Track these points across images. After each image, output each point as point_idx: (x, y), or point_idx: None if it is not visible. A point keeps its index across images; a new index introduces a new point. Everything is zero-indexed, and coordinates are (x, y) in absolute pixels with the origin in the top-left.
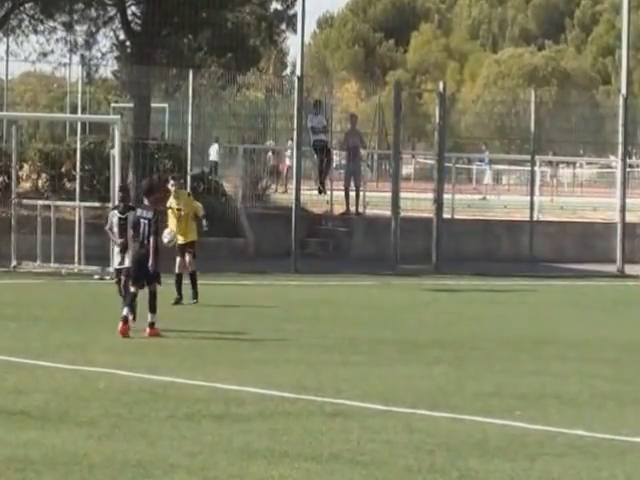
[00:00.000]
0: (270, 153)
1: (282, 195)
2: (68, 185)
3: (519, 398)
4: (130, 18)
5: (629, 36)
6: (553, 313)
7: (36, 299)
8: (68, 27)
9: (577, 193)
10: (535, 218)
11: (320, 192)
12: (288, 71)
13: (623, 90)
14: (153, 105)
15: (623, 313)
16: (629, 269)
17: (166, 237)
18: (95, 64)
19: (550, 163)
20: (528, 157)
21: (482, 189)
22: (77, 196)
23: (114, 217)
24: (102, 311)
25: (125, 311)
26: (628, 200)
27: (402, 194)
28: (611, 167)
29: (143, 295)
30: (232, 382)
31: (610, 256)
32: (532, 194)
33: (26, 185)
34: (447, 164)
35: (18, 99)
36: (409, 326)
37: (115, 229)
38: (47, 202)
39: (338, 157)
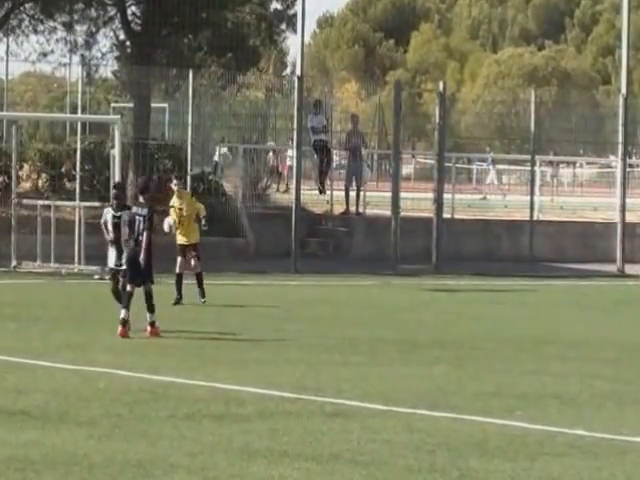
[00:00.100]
0: (271, 153)
1: (282, 195)
2: (68, 185)
3: (519, 398)
4: (130, 18)
5: (629, 36)
6: (553, 313)
7: (36, 299)
8: (68, 27)
9: (577, 193)
10: (535, 218)
11: (321, 192)
12: (288, 71)
13: (623, 90)
14: (153, 105)
15: (623, 313)
16: (629, 269)
17: (166, 225)
18: (95, 64)
19: (551, 163)
20: (529, 157)
21: (485, 189)
22: (77, 196)
23: (108, 214)
24: (102, 311)
25: (123, 313)
26: (628, 200)
27: (402, 194)
28: (611, 167)
29: (139, 295)
30: (232, 382)
31: (610, 256)
32: (532, 194)
33: (26, 185)
34: (447, 164)
35: (18, 99)
36: (409, 326)
37: (109, 227)
38: (47, 202)
39: (338, 157)
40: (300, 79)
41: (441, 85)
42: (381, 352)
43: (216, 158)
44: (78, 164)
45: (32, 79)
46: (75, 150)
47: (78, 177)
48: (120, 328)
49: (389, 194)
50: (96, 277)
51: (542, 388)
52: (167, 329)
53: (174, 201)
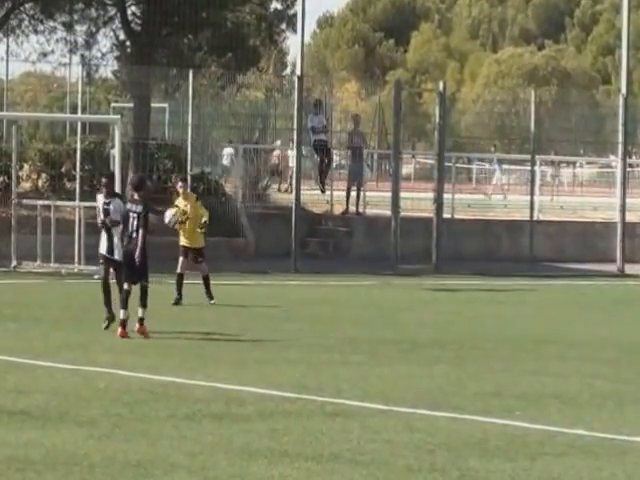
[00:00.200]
0: (276, 151)
1: (282, 195)
2: (68, 185)
3: (519, 398)
4: (130, 18)
5: (629, 36)
6: (553, 313)
7: (36, 299)
8: (68, 27)
9: (577, 193)
10: (535, 218)
11: (323, 192)
12: (288, 71)
13: (623, 89)
14: (153, 105)
15: (623, 313)
16: (629, 269)
17: (167, 217)
18: (95, 64)
19: (552, 163)
20: (530, 157)
21: (490, 189)
22: (77, 196)
23: (99, 201)
24: (102, 311)
25: (122, 314)
26: (628, 200)
27: (402, 194)
28: (611, 167)
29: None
30: (232, 382)
31: (610, 256)
32: (532, 194)
33: (26, 185)
34: (447, 164)
35: (18, 99)
36: (409, 326)
37: (101, 214)
38: (47, 202)
39: (338, 157)
40: (300, 79)
41: (441, 85)
42: (381, 352)
43: (225, 161)
44: (78, 164)
45: (32, 79)
46: (75, 150)
47: (78, 177)
48: (120, 329)
49: (389, 194)
50: (96, 277)
51: (542, 388)
52: (167, 329)
53: (179, 202)
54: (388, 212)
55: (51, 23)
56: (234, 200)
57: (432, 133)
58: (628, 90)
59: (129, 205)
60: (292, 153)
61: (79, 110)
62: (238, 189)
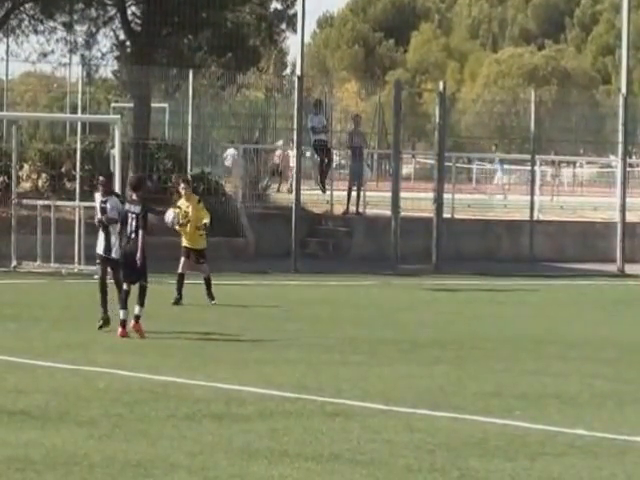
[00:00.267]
0: (278, 152)
1: (282, 195)
2: (68, 185)
3: (519, 398)
4: (130, 18)
5: (629, 35)
6: (553, 313)
7: (36, 299)
8: (68, 27)
9: (577, 192)
10: (535, 218)
11: (323, 192)
12: (288, 71)
13: (623, 89)
14: (153, 105)
15: (623, 313)
16: (629, 269)
17: (168, 216)
18: (95, 64)
19: (552, 163)
20: (530, 157)
21: (493, 189)
22: (77, 196)
23: (97, 200)
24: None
25: (122, 314)
26: (628, 199)
27: (402, 194)
28: (611, 166)
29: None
30: (232, 382)
31: (610, 256)
32: (532, 194)
33: (26, 185)
34: (447, 164)
35: (18, 99)
36: (409, 326)
37: (98, 213)
38: (47, 202)
39: (338, 157)
40: (300, 79)
41: (441, 85)
42: (381, 352)
43: (227, 161)
44: (78, 164)
45: (32, 79)
46: (75, 150)
47: (78, 177)
48: (120, 329)
49: (389, 194)
50: (96, 277)
51: (542, 388)
52: (167, 329)
53: (182, 203)
54: (388, 212)
55: (51, 23)
56: (234, 200)
57: (432, 133)
58: (628, 90)
59: (127, 205)
60: (293, 153)
61: (79, 110)
62: (238, 189)
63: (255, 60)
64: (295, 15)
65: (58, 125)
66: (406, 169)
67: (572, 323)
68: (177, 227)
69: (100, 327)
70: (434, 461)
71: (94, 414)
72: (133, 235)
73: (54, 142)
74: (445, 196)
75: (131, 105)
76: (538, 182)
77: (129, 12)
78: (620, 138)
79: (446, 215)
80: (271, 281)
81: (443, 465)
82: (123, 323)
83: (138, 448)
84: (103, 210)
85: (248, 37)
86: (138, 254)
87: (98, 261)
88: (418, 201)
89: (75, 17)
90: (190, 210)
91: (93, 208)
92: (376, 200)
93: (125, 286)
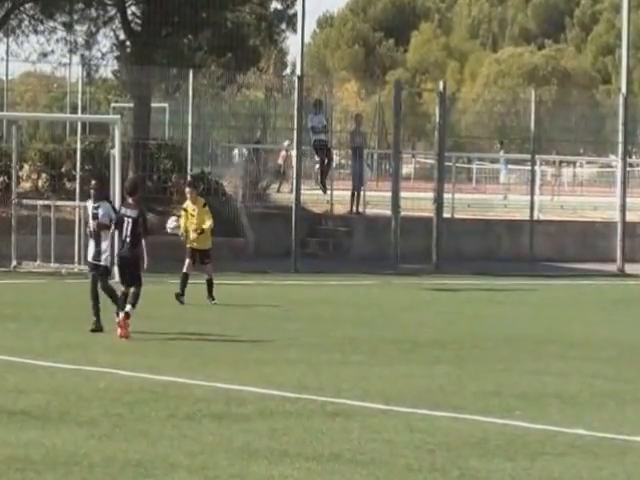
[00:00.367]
0: (282, 152)
1: (282, 195)
2: (68, 185)
3: (519, 397)
4: (130, 18)
5: (629, 35)
6: (553, 312)
7: (36, 299)
8: (68, 27)
9: (577, 192)
10: (535, 217)
11: (324, 192)
12: (288, 71)
13: (623, 89)
14: (153, 105)
15: (623, 312)
16: (629, 268)
17: (171, 224)
18: (95, 64)
19: (553, 162)
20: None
21: (499, 189)
22: (77, 196)
23: (88, 209)
24: (102, 311)
25: (128, 307)
26: (628, 199)
27: (402, 193)
28: (611, 166)
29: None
30: (233, 382)
31: (610, 255)
32: (532, 193)
33: (26, 185)
34: (447, 163)
35: (18, 99)
36: (409, 325)
37: (90, 221)
38: (47, 202)
39: (338, 157)
40: (300, 79)
41: (441, 84)
42: (381, 352)
43: (235, 162)
44: (78, 164)
45: (32, 79)
46: (75, 150)
47: (78, 177)
48: (122, 317)
49: (389, 194)
50: None
51: (542, 387)
52: (167, 329)
53: (187, 205)
54: (388, 212)
55: (51, 23)
56: (234, 200)
57: (432, 133)
58: (628, 89)
59: (123, 210)
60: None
61: (79, 110)
62: (238, 189)
63: (255, 60)
64: (295, 15)
65: (58, 125)
66: (406, 169)
67: (572, 323)
68: (177, 230)
69: (92, 330)
70: (434, 461)
71: (94, 414)
72: (128, 240)
73: (54, 142)
74: (445, 196)
75: (131, 105)
76: (538, 182)
77: (129, 12)
78: (620, 138)
79: (446, 215)
80: (271, 281)
81: (443, 465)
82: (127, 315)
83: (138, 448)
84: (95, 216)
85: (248, 37)
86: (145, 261)
87: (88, 269)
88: (418, 201)
89: (75, 17)
90: (196, 214)
91: None
92: (376, 200)
93: (123, 288)
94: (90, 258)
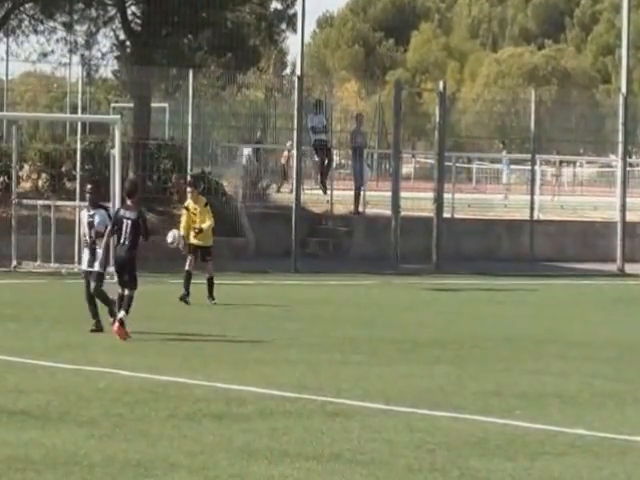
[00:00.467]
0: (285, 152)
1: (282, 195)
2: (68, 185)
3: (520, 397)
4: (130, 18)
5: (629, 35)
6: (553, 312)
7: (36, 299)
8: (68, 27)
9: (577, 192)
10: (535, 217)
11: (325, 192)
12: (288, 71)
13: (623, 89)
14: (153, 105)
15: (623, 312)
16: (629, 268)
17: (169, 237)
18: (95, 64)
19: (553, 162)
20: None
21: (501, 189)
22: (77, 196)
23: (83, 217)
24: (102, 311)
25: (121, 314)
26: (628, 199)
27: (402, 193)
28: (611, 166)
29: (138, 298)
30: (233, 382)
31: (610, 255)
32: (532, 193)
33: (26, 185)
34: (447, 163)
35: (18, 99)
36: (409, 325)
37: (85, 229)
38: (47, 202)
39: (338, 157)
40: (300, 79)
41: (441, 84)
42: (381, 351)
43: (243, 161)
44: (78, 164)
45: (32, 79)
46: (75, 150)
47: (78, 177)
48: (116, 325)
49: (389, 193)
50: None
51: (542, 387)
52: (167, 329)
53: (189, 203)
54: (388, 212)
55: (51, 23)
56: (234, 200)
57: (432, 133)
58: (628, 89)
59: (122, 211)
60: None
61: (79, 110)
62: (238, 189)
63: (255, 60)
64: (295, 15)
65: (58, 125)
66: (406, 169)
67: (572, 323)
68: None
69: (92, 331)
70: (434, 461)
71: (94, 414)
72: (127, 242)
73: (54, 142)
74: (445, 196)
75: (131, 105)
76: (538, 182)
77: (129, 12)
78: (620, 138)
79: (446, 215)
80: (271, 281)
81: (443, 465)
82: (121, 323)
83: (138, 448)
84: (91, 225)
85: (248, 37)
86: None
87: (82, 276)
88: (418, 201)
89: (75, 17)
90: (197, 213)
91: None
92: (376, 200)
93: (119, 290)
94: (84, 266)
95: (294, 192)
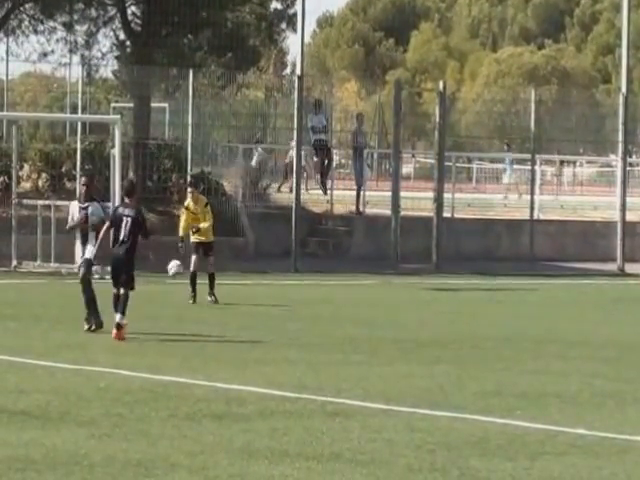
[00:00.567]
0: (291, 152)
1: (282, 194)
2: (68, 185)
3: (520, 397)
4: (130, 18)
5: (629, 35)
6: (553, 312)
7: (36, 299)
8: (68, 27)
9: (577, 192)
10: (535, 217)
11: (325, 192)
12: (288, 70)
13: (623, 89)
14: (153, 105)
15: (623, 312)
16: (629, 268)
17: (172, 269)
18: (95, 64)
19: (554, 162)
20: (537, 156)
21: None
22: (77, 196)
23: (75, 209)
24: (102, 311)
25: (118, 317)
26: (628, 199)
27: (402, 193)
28: (611, 166)
29: (137, 297)
30: (233, 381)
31: (610, 255)
32: (532, 193)
33: (26, 185)
34: (447, 163)
35: (18, 99)
36: (410, 325)
37: (75, 220)
38: (47, 202)
39: (337, 157)
40: (300, 79)
41: (441, 84)
42: (381, 351)
43: (254, 162)
44: (78, 164)
45: (32, 79)
46: (75, 150)
47: (78, 177)
48: (115, 331)
49: (389, 193)
50: (96, 276)
51: (542, 387)
52: (167, 329)
53: (189, 203)
54: (388, 211)
55: (51, 23)
56: (234, 200)
57: (432, 133)
58: (628, 89)
59: (121, 209)
60: (303, 153)
61: (79, 110)
62: (238, 189)
63: (255, 60)
64: (295, 15)
65: (58, 125)
66: (406, 168)
67: (572, 322)
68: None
69: (89, 329)
70: (434, 460)
71: (94, 414)
72: (126, 239)
73: (54, 142)
74: (445, 195)
75: (131, 105)
76: (538, 181)
77: (129, 12)
78: (620, 137)
79: (446, 214)
80: (271, 281)
81: (443, 464)
82: (118, 327)
83: (138, 448)
84: (84, 215)
85: (248, 37)
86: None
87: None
88: (418, 200)
89: (75, 17)
90: (198, 212)
91: None
92: (376, 199)
93: (114, 290)
94: (80, 258)
95: (294, 192)
